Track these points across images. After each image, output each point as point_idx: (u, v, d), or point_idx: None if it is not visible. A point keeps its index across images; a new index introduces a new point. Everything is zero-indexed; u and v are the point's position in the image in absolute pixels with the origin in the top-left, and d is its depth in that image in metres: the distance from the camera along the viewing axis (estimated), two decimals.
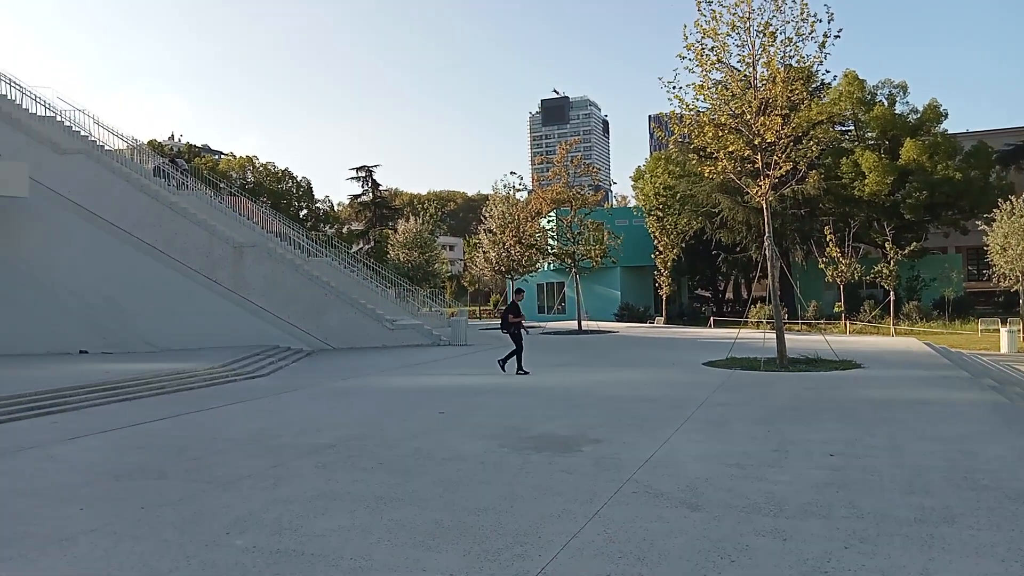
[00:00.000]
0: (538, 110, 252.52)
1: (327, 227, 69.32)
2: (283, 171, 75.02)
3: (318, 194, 79.61)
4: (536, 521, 5.62)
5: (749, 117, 15.70)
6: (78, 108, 23.96)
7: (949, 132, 39.82)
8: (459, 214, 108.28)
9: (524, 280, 40.00)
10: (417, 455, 8.04)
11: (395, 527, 5.58)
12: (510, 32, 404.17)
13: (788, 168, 16.01)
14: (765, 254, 17.09)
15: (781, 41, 15.40)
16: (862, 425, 9.30)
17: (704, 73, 15.88)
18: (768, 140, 15.59)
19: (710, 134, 16.10)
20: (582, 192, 33.87)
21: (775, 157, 15.91)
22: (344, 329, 22.29)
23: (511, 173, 64.70)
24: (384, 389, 13.82)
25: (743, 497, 6.13)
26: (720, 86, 16.53)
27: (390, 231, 60.59)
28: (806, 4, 15.10)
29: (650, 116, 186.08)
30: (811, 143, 16.95)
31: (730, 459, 7.49)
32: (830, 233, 32.68)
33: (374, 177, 68.41)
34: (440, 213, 77.49)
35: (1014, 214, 29.84)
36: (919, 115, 39.29)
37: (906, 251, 32.95)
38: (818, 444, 8.14)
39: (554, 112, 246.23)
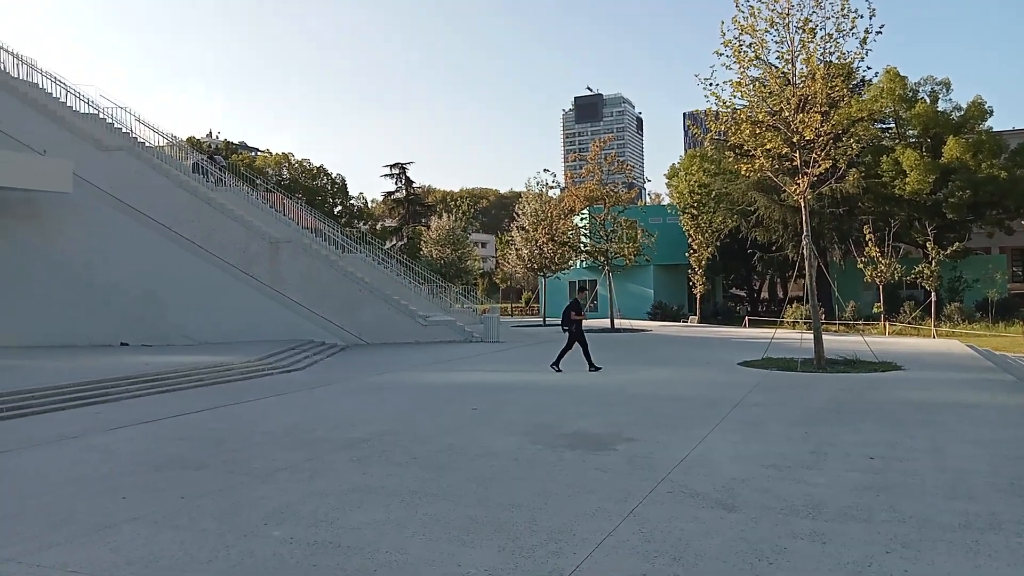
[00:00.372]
0: (571, 107, 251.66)
1: (361, 224, 70.00)
2: (318, 168, 75.88)
3: (352, 191, 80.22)
4: (570, 519, 5.61)
5: (787, 114, 15.47)
6: (120, 106, 24.51)
7: (994, 130, 38.82)
8: (491, 211, 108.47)
9: (557, 277, 39.95)
10: (450, 451, 8.07)
11: (430, 521, 5.61)
12: (544, 30, 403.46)
13: (827, 166, 15.75)
14: (803, 253, 16.83)
15: (821, 37, 15.14)
16: (902, 427, 9.11)
17: (742, 70, 15.67)
18: (807, 138, 15.34)
19: (747, 131, 15.89)
20: (615, 190, 33.68)
21: (814, 155, 15.66)
22: (378, 325, 22.46)
23: (544, 170, 64.76)
24: (417, 385, 13.90)
25: (780, 499, 6.05)
26: (758, 83, 16.30)
27: (423, 228, 60.96)
28: (847, 0, 14.83)
29: (685, 113, 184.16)
30: (851, 141, 16.62)
31: (766, 460, 7.40)
32: (869, 232, 32.07)
33: (407, 174, 68.86)
34: (473, 210, 77.84)
35: None
36: (962, 112, 38.37)
37: (948, 251, 32.20)
38: (857, 446, 8.00)
39: (588, 109, 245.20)
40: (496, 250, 75.64)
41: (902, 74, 38.25)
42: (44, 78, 23.58)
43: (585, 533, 5.28)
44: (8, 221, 20.69)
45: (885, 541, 5.04)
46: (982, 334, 30.42)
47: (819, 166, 15.66)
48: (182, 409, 11.07)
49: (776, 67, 15.83)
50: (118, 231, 20.90)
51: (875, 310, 35.78)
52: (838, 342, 21.67)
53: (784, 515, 5.63)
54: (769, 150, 15.93)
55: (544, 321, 38.56)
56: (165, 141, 25.27)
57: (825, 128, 15.37)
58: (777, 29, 15.38)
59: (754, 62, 15.69)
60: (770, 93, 15.91)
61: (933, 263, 32.24)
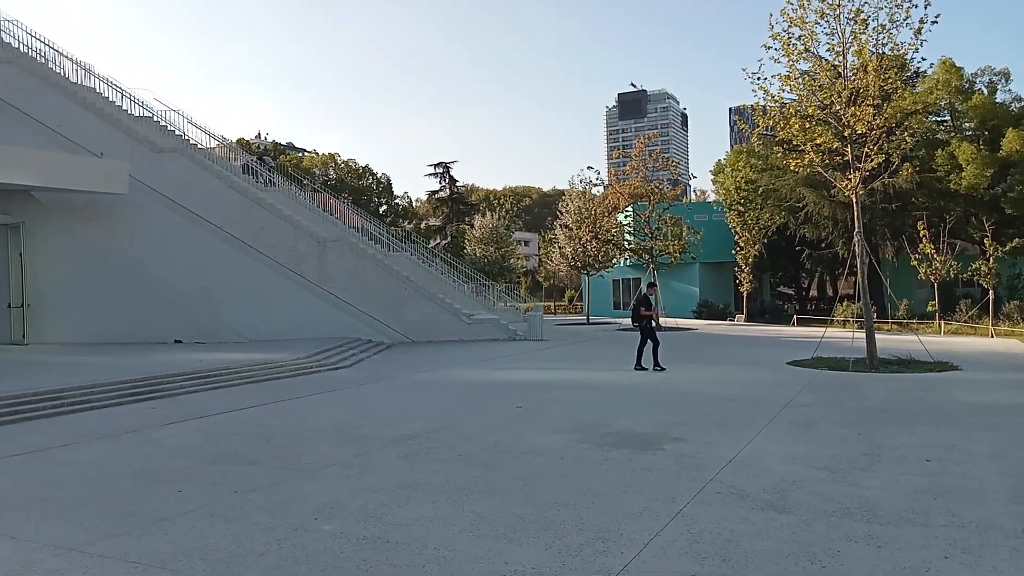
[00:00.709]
0: (615, 104, 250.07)
1: (406, 223, 70.61)
2: (364, 168, 76.77)
3: (397, 190, 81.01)
4: (617, 518, 5.58)
5: (838, 108, 15.13)
6: (173, 108, 25.13)
7: None
8: (534, 209, 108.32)
9: (601, 276, 39.75)
10: (496, 448, 8.10)
11: (476, 519, 5.64)
12: (587, 26, 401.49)
13: (880, 161, 15.37)
14: (854, 250, 16.45)
15: (873, 28, 14.77)
16: (960, 430, 8.85)
17: (791, 63, 15.39)
18: (859, 132, 14.99)
19: (796, 126, 15.60)
20: (660, 186, 33.37)
21: (866, 149, 15.29)
22: (423, 323, 22.64)
23: (588, 168, 64.32)
24: (462, 382, 13.98)
25: (833, 501, 5.93)
26: (807, 76, 15.99)
27: (467, 226, 61.24)
28: None
29: (731, 109, 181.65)
30: (904, 134, 16.19)
31: (818, 461, 7.26)
32: (923, 228, 31.16)
33: (451, 173, 69.26)
34: (516, 208, 77.81)
35: None
36: (1022, 103, 37.02)
37: (1007, 248, 31.11)
38: (912, 448, 7.79)
39: (631, 106, 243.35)
40: (539, 248, 75.60)
41: (958, 65, 37.05)
42: (100, 82, 24.33)
43: (632, 533, 5.25)
44: (69, 222, 21.41)
45: (943, 546, 4.90)
46: None
47: (871, 161, 15.29)
48: (234, 405, 11.32)
49: (826, 60, 15.52)
50: (172, 231, 21.45)
51: (929, 308, 34.75)
52: (891, 341, 21.13)
53: (837, 518, 5.52)
54: (819, 145, 15.61)
55: (588, 319, 38.41)
56: (216, 143, 25.84)
57: (878, 122, 15.00)
58: (827, 21, 15.07)
59: (803, 55, 15.40)
60: (820, 86, 15.59)
61: (991, 260, 31.19)
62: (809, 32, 15.12)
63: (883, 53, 14.98)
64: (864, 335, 16.00)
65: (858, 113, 14.81)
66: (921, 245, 31.54)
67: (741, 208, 37.25)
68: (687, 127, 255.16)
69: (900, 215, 35.64)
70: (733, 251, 37.76)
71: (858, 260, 16.06)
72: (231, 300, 21.36)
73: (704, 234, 34.36)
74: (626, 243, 34.34)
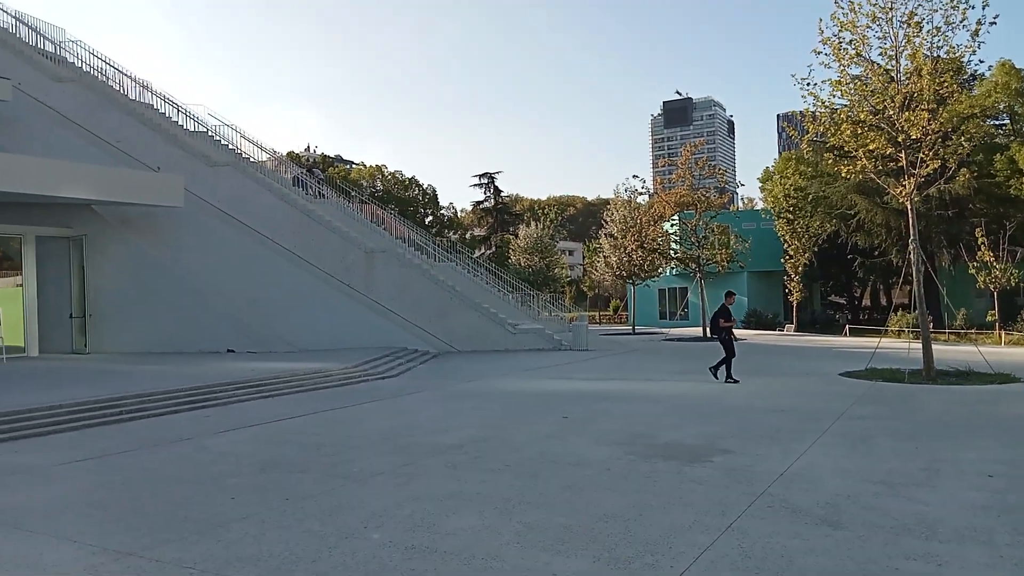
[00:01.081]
0: (660, 112, 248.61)
1: (451, 233, 71.19)
2: (410, 179, 77.74)
3: (442, 201, 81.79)
4: (666, 531, 5.52)
5: (892, 113, 14.79)
6: (226, 123, 25.82)
7: None
8: (579, 219, 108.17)
9: (646, 285, 39.45)
10: (543, 459, 8.08)
11: (524, 529, 5.63)
12: (631, 34, 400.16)
13: (935, 166, 14.96)
14: (909, 258, 16.02)
15: (928, 31, 14.41)
16: None
17: (841, 68, 15.09)
18: (913, 137, 14.62)
19: (848, 132, 15.28)
20: (707, 194, 33.01)
21: (921, 155, 14.90)
22: (468, 332, 22.75)
23: (633, 176, 64.21)
24: (508, 392, 13.99)
25: (890, 517, 5.76)
26: (859, 81, 15.66)
27: (511, 236, 61.43)
28: None
29: (779, 115, 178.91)
30: (961, 139, 15.72)
31: (873, 476, 7.07)
32: (982, 235, 30.20)
33: (496, 184, 69.66)
34: (560, 218, 77.82)
35: None
36: None
37: None
38: (974, 463, 7.54)
39: (676, 114, 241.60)
40: (584, 258, 75.40)
41: (1018, 67, 35.91)
42: (158, 98, 25.17)
43: (682, 546, 5.18)
44: (127, 234, 22.10)
45: (1010, 567, 4.72)
46: None
47: (927, 166, 14.89)
48: (284, 414, 11.52)
49: (879, 64, 15.18)
50: (225, 243, 21.99)
51: (989, 318, 33.60)
52: (949, 352, 20.48)
53: (895, 534, 5.36)
54: (872, 151, 15.26)
55: (633, 329, 38.12)
56: (267, 156, 26.45)
57: (933, 126, 14.61)
58: (880, 24, 14.75)
59: (855, 59, 15.09)
60: (872, 91, 15.27)
61: None
62: (860, 36, 14.82)
63: (938, 56, 14.60)
64: (920, 346, 15.55)
65: (912, 118, 14.44)
66: (979, 253, 30.56)
67: (790, 216, 36.63)
68: (734, 134, 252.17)
69: (957, 222, 34.62)
70: (782, 260, 37.14)
71: (913, 268, 15.63)
72: (281, 310, 21.77)
73: (752, 242, 33.88)
74: (672, 252, 34.02)
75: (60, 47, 25.11)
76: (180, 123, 24.87)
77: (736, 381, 14.61)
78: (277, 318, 21.76)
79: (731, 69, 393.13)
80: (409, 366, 18.36)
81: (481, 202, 70.42)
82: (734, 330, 15.83)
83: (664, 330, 36.56)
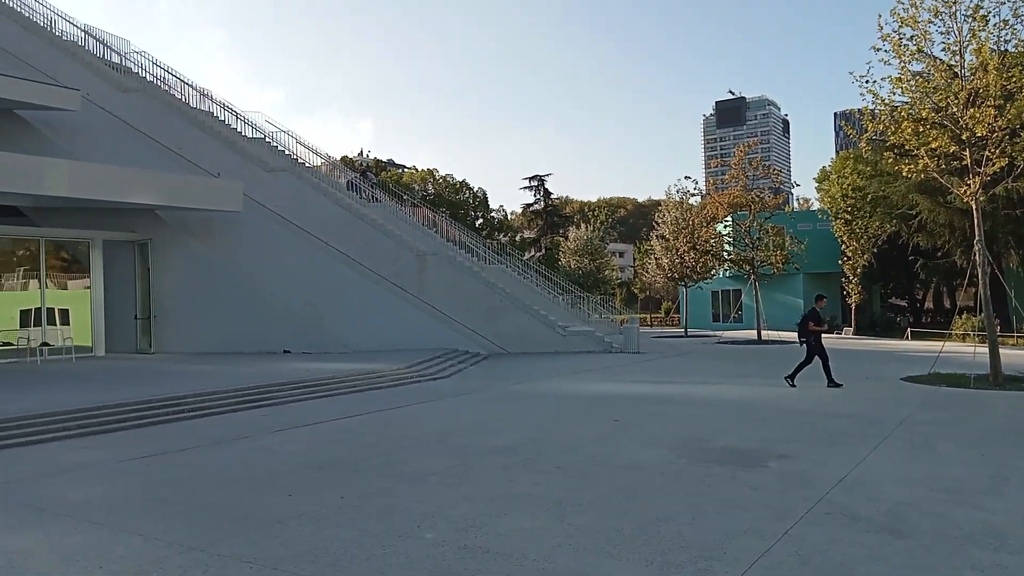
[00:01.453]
0: (712, 112, 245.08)
1: (501, 235, 71.42)
2: (461, 182, 78.27)
3: (493, 204, 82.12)
4: (721, 536, 5.44)
5: (955, 110, 14.29)
6: (282, 129, 26.42)
7: None
8: (629, 220, 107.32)
9: (699, 287, 38.93)
10: (594, 461, 8.06)
11: (576, 532, 5.62)
12: (681, 34, 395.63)
13: (1002, 164, 14.41)
14: (974, 259, 15.46)
15: (994, 25, 13.90)
16: None
17: (902, 65, 14.66)
18: (978, 134, 14.10)
19: (909, 130, 14.83)
20: (761, 195, 32.39)
21: (987, 153, 14.37)
22: (518, 334, 22.79)
23: (685, 178, 63.36)
24: (558, 394, 13.97)
25: (955, 526, 5.58)
26: (920, 78, 15.19)
27: (561, 238, 61.28)
28: None
29: (836, 113, 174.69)
30: None
31: (937, 483, 6.85)
32: None
33: (546, 186, 69.54)
34: (610, 220, 77.39)
35: None
36: None
37: None
38: None
39: (729, 114, 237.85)
40: (634, 259, 74.82)
41: None
42: (217, 106, 25.90)
43: (737, 552, 5.10)
44: (188, 238, 22.79)
45: None
46: None
47: (993, 165, 14.35)
48: (339, 413, 11.72)
49: (941, 60, 14.70)
50: (282, 246, 22.49)
51: None
52: (1017, 356, 19.71)
53: (960, 544, 5.19)
54: (934, 149, 14.79)
55: (686, 332, 37.66)
56: (321, 161, 26.97)
57: (1000, 123, 14.07)
58: (942, 19, 14.28)
59: (916, 56, 14.64)
60: (935, 88, 14.78)
61: None
62: (922, 32, 14.38)
63: (1005, 50, 14.07)
64: (987, 349, 14.99)
65: (977, 115, 13.94)
66: None
67: (848, 216, 35.72)
68: (789, 133, 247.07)
69: None
70: (840, 261, 36.21)
71: (979, 270, 15.08)
72: (336, 312, 22.16)
73: (808, 244, 33.11)
74: (725, 254, 33.48)
75: (125, 58, 26.06)
76: (239, 130, 25.55)
77: (839, 385, 14.00)
78: (331, 320, 22.15)
79: (786, 67, 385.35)
80: (460, 367, 18.48)
81: (531, 204, 70.41)
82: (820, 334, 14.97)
83: (717, 333, 36.01)
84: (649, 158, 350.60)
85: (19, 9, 25.60)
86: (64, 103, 22.25)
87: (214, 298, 22.47)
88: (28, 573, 5.02)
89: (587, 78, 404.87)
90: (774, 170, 37.74)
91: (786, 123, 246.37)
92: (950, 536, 5.36)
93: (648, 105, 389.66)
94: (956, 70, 14.53)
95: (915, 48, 14.48)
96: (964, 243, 32.35)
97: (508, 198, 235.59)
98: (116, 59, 25.81)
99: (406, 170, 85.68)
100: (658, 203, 46.85)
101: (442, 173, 79.70)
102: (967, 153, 14.63)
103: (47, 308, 21.24)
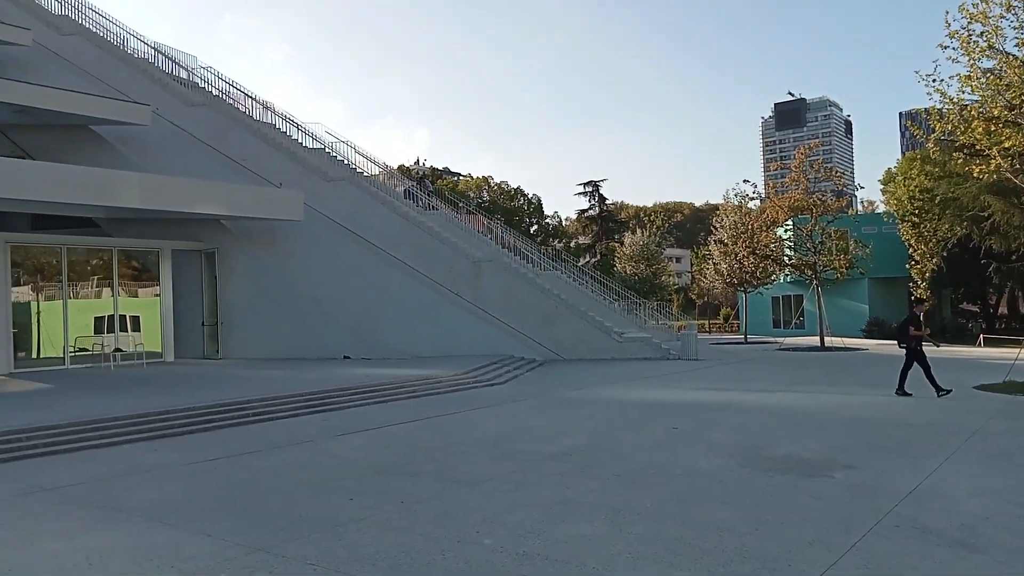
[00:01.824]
0: (771, 114, 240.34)
1: (556, 241, 71.35)
2: (515, 189, 78.61)
3: (547, 210, 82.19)
4: (785, 547, 5.32)
5: None
6: (341, 140, 26.95)
7: None
8: (686, 225, 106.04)
9: (759, 293, 38.20)
10: (652, 469, 7.97)
11: (635, 540, 5.57)
12: (738, 35, 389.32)
13: None
14: None
15: None
16: None
17: (971, 62, 14.15)
18: None
19: (979, 129, 14.29)
20: (823, 198, 31.63)
21: None
22: (574, 340, 22.73)
23: (744, 181, 62.22)
24: (615, 401, 13.88)
25: None
26: (992, 75, 14.63)
27: (616, 244, 60.92)
28: None
29: (902, 113, 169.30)
30: None
31: (1014, 496, 6.56)
32: None
33: (600, 192, 69.28)
34: (667, 225, 76.58)
35: None
36: None
37: None
38: None
39: (789, 115, 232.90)
40: (692, 265, 73.80)
41: None
42: (279, 118, 26.58)
43: (803, 564, 4.99)
44: (252, 247, 23.44)
45: None
46: None
47: None
48: (396, 419, 11.88)
49: (1015, 56, 14.14)
50: (341, 254, 22.94)
51: None
52: None
53: None
54: (1007, 148, 14.21)
55: (745, 338, 36.95)
56: (379, 170, 27.43)
57: None
58: (1015, 13, 13.74)
59: (987, 52, 14.11)
60: (1008, 85, 14.21)
61: None
62: (993, 28, 13.85)
63: None
64: None
65: None
66: None
67: (916, 219, 34.57)
68: (852, 135, 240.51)
69: None
70: (907, 265, 35.08)
71: None
72: (394, 318, 22.47)
73: (873, 248, 32.15)
74: (786, 259, 32.76)
75: (192, 73, 26.99)
76: (299, 141, 26.19)
77: (948, 391, 13.22)
78: (390, 326, 22.47)
79: (848, 67, 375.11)
80: (516, 373, 18.52)
81: (586, 210, 70.22)
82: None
83: (778, 339, 35.22)
84: (706, 162, 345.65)
85: (95, 30, 26.77)
86: (136, 118, 23.19)
87: (277, 305, 23.04)
88: (104, 571, 5.23)
89: (643, 81, 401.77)
90: (836, 172, 36.75)
91: (848, 124, 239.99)
92: None
93: (705, 107, 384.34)
94: None
95: (985, 44, 13.97)
96: None
97: (562, 204, 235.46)
98: (184, 75, 26.75)
99: (461, 178, 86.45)
100: (716, 207, 46.19)
101: (497, 180, 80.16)
102: None
103: (119, 315, 22.11)
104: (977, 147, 15.01)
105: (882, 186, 44.76)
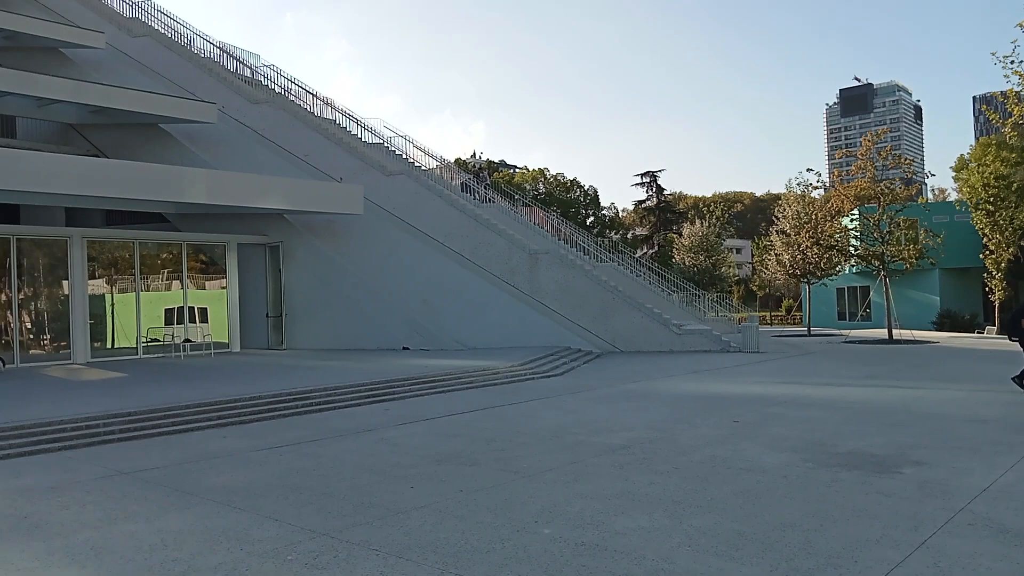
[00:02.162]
0: (836, 100, 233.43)
1: (612, 233, 70.88)
2: (571, 181, 78.25)
3: (603, 201, 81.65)
4: (850, 544, 5.20)
5: None
6: (400, 134, 27.26)
7: None
8: (747, 215, 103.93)
9: (823, 284, 37.24)
10: (713, 463, 7.88)
11: (695, 533, 5.52)
12: (800, 19, 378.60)
13: None
14: None
15: None
16: None
17: None
18: None
19: None
20: (891, 186, 30.57)
21: None
22: (631, 333, 22.56)
23: (808, 170, 60.52)
24: (673, 394, 13.74)
25: None
26: None
27: (675, 235, 60.13)
28: None
29: (975, 97, 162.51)
30: None
31: None
32: None
33: (658, 182, 68.41)
34: (727, 215, 75.24)
35: None
36: None
37: None
38: None
39: (855, 101, 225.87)
40: (752, 256, 72.32)
41: None
42: (339, 114, 27.05)
43: (869, 561, 4.87)
44: (313, 240, 23.96)
45: None
46: None
47: None
48: (455, 409, 12.01)
49: None
50: (400, 247, 23.27)
51: None
52: None
53: None
54: None
55: (809, 331, 36.09)
56: (436, 163, 27.65)
57: None
58: None
59: None
60: None
61: None
62: None
63: None
64: None
65: None
66: None
67: (991, 207, 33.20)
68: (922, 120, 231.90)
69: None
70: (981, 255, 33.73)
71: None
72: (451, 310, 22.70)
73: (945, 237, 30.97)
74: (852, 249, 31.83)
75: (255, 72, 27.68)
76: (359, 136, 26.61)
77: None
78: (447, 317, 22.70)
79: (918, 50, 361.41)
80: (573, 365, 18.50)
81: (643, 201, 69.44)
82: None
83: (843, 332, 34.28)
84: (767, 150, 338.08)
85: (164, 31, 27.68)
86: (202, 116, 23.94)
87: (338, 297, 23.52)
88: (179, 552, 5.45)
89: (702, 68, 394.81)
90: (905, 159, 35.44)
91: (918, 109, 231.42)
92: None
93: (766, 95, 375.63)
94: None
95: None
96: None
97: (619, 195, 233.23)
98: (248, 73, 27.46)
99: (517, 170, 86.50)
100: (777, 197, 45.16)
101: (553, 172, 79.97)
102: None
103: (188, 307, 22.91)
104: None
105: (954, 173, 43.06)
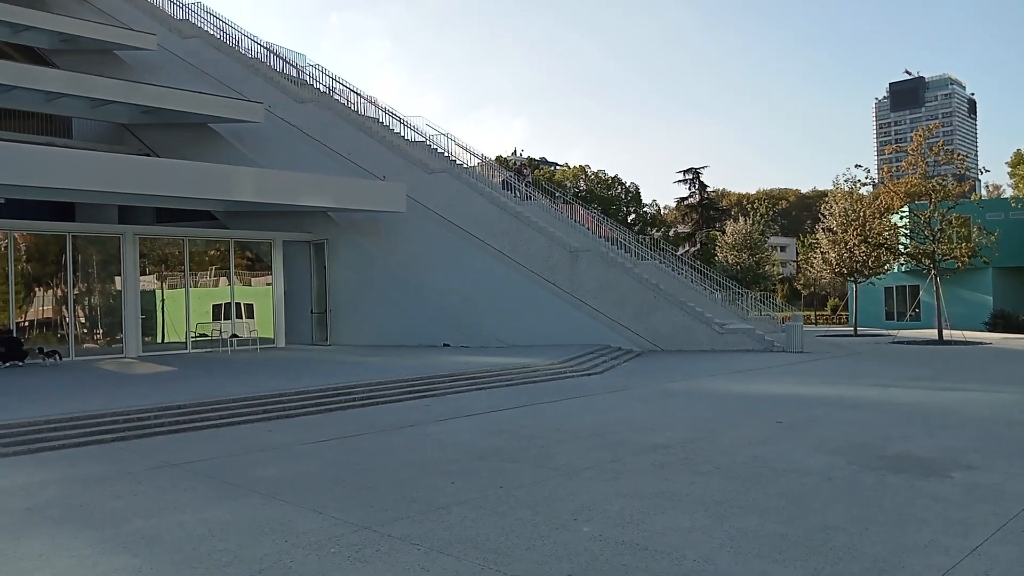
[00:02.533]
0: (885, 95, 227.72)
1: (654, 230, 70.25)
2: (612, 178, 77.83)
3: (645, 198, 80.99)
4: (897, 548, 5.11)
5: None
6: (442, 132, 27.46)
7: None
8: (791, 212, 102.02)
9: (870, 283, 36.45)
10: (755, 464, 7.79)
11: (737, 534, 5.48)
12: (847, 13, 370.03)
13: None
14: None
15: None
16: None
17: None
18: None
19: None
20: (943, 183, 29.73)
21: None
22: (672, 331, 22.37)
23: (856, 166, 59.23)
24: (715, 393, 13.60)
25: None
26: None
27: (717, 233, 59.40)
28: None
29: None
30: None
31: None
32: None
33: (701, 179, 67.62)
34: (771, 212, 74.00)
35: None
36: None
37: None
38: None
39: (905, 95, 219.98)
40: (797, 254, 71.07)
41: None
42: (382, 112, 27.35)
43: (916, 566, 4.78)
44: (357, 238, 24.27)
45: None
46: None
47: None
48: (496, 406, 12.07)
49: None
50: (441, 244, 23.43)
51: None
52: None
53: None
54: None
55: (855, 331, 35.34)
56: (477, 161, 27.77)
57: None
58: None
59: None
60: None
61: None
62: None
63: None
64: None
65: None
66: None
67: None
68: (975, 114, 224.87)
69: None
70: None
71: None
72: (492, 307, 22.78)
73: (1000, 235, 30.02)
74: (901, 247, 31.06)
75: (301, 71, 28.12)
76: (402, 134, 26.86)
77: None
78: (488, 315, 22.78)
79: (972, 42, 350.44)
80: (613, 364, 18.42)
81: (685, 198, 68.72)
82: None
83: (891, 332, 33.50)
84: (813, 147, 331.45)
85: (213, 32, 28.29)
86: (250, 115, 24.42)
87: (380, 294, 23.79)
88: (225, 542, 5.60)
89: (746, 63, 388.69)
90: (958, 155, 34.47)
91: (972, 103, 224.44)
92: None
93: (812, 89, 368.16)
94: None
95: None
96: None
97: (661, 192, 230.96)
98: (294, 72, 27.90)
99: (558, 168, 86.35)
100: (823, 194, 44.31)
101: (594, 169, 79.64)
102: None
103: (235, 303, 23.41)
104: None
105: (1010, 169, 41.77)
